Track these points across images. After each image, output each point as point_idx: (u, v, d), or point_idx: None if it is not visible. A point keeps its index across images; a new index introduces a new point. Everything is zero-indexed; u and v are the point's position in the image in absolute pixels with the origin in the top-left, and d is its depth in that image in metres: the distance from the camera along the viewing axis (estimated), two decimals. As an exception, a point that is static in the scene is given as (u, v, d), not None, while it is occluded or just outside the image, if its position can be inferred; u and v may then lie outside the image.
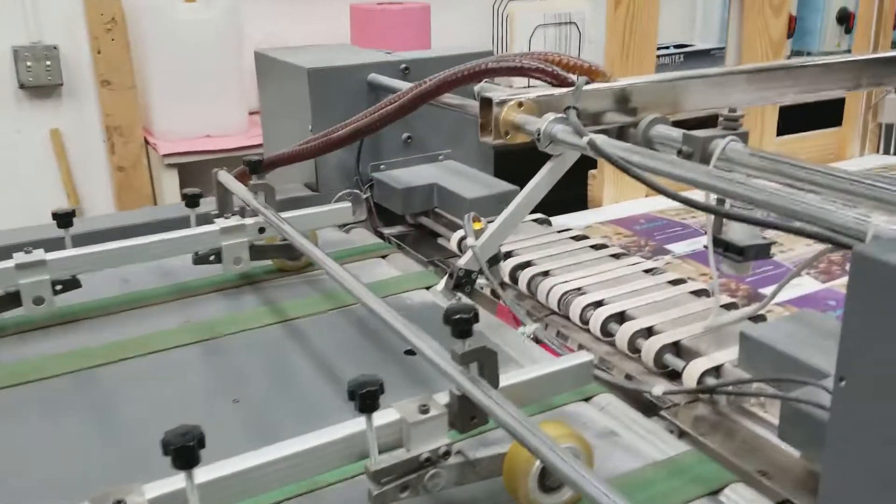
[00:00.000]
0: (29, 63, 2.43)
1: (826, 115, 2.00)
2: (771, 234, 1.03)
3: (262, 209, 1.11)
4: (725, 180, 0.75)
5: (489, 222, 1.04)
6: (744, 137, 1.03)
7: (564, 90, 1.04)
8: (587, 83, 1.06)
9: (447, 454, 0.65)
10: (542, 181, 0.98)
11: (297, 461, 0.61)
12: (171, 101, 2.59)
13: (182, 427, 0.55)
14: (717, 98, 1.19)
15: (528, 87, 1.34)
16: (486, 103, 1.01)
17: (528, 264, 1.14)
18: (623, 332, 0.95)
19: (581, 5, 3.37)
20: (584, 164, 1.64)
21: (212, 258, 1.15)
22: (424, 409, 0.65)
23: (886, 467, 0.52)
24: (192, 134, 2.62)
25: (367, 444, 0.62)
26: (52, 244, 1.06)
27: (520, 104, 1.01)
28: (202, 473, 0.57)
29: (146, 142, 2.64)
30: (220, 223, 1.13)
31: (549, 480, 0.67)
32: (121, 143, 2.59)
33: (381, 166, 1.45)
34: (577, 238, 1.24)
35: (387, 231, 1.44)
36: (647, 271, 1.11)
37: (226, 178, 1.24)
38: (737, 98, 1.20)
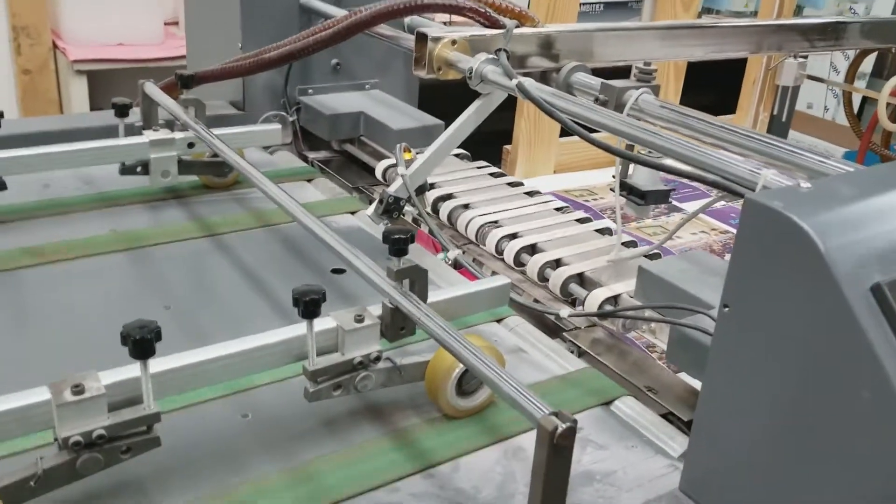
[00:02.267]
0: (-73, -50, 2.28)
1: (722, 102, 2.13)
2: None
3: (193, 124, 1.12)
4: (638, 128, 0.83)
5: (418, 153, 1.09)
6: (655, 90, 1.11)
7: (495, 31, 1.09)
8: (517, 27, 1.11)
9: (377, 359, 0.71)
10: (470, 117, 1.04)
11: (241, 358, 0.66)
12: (83, 3, 2.49)
13: (139, 321, 0.59)
14: (632, 51, 1.26)
15: (450, 24, 1.39)
16: (422, 39, 1.05)
17: (449, 196, 1.20)
18: (533, 263, 1.03)
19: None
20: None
21: (138, 170, 1.16)
22: (359, 319, 0.71)
23: (756, 382, 0.62)
24: (104, 40, 2.52)
25: (305, 348, 0.68)
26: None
27: (453, 42, 1.06)
28: (155, 364, 0.61)
29: (54, 45, 2.52)
30: (149, 135, 1.14)
31: (465, 385, 0.74)
32: (27, 45, 2.47)
33: (309, 90, 1.47)
34: (494, 175, 1.30)
35: (311, 155, 1.47)
36: (557, 209, 1.19)
37: (153, 90, 1.24)
38: (649, 52, 1.27)
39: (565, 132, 1.72)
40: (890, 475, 0.55)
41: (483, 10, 1.10)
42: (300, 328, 0.68)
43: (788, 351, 0.59)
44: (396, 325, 0.73)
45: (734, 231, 1.49)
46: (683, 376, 0.88)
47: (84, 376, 0.59)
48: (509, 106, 1.66)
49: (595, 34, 1.20)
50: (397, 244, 0.70)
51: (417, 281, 0.73)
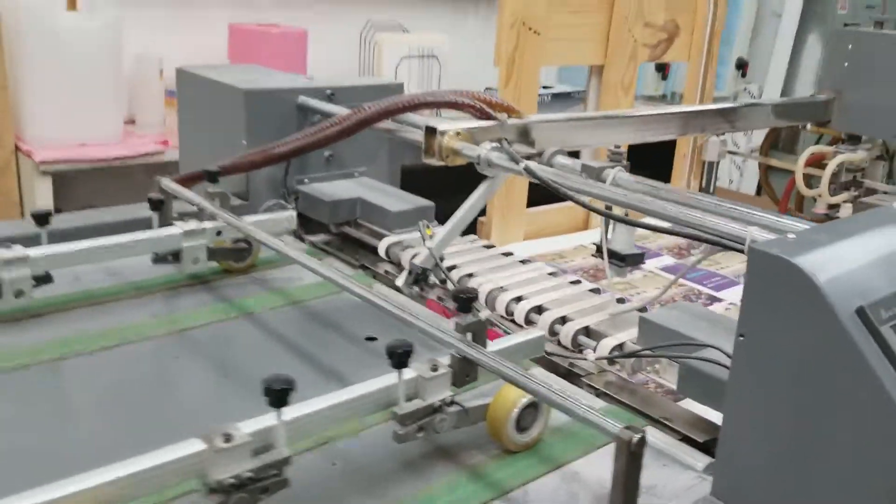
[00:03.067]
0: None
1: (658, 174, 2.36)
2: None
3: (223, 214, 1.24)
4: (639, 198, 1.00)
5: (429, 230, 1.23)
6: (626, 168, 1.29)
7: (490, 123, 1.26)
8: (507, 118, 1.28)
9: (451, 403, 0.83)
10: (480, 197, 1.19)
11: (348, 406, 0.77)
12: (46, 107, 2.56)
13: (276, 375, 0.70)
14: (599, 137, 1.46)
15: (438, 115, 1.56)
16: (431, 132, 1.21)
17: (453, 267, 1.34)
18: (544, 320, 1.17)
19: (441, 41, 3.63)
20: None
21: (170, 258, 1.25)
22: (434, 368, 0.83)
23: (771, 396, 0.76)
24: (66, 142, 2.59)
25: (394, 395, 0.80)
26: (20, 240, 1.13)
27: (458, 133, 1.22)
28: (287, 412, 0.72)
29: (17, 148, 2.58)
30: (181, 226, 1.24)
31: (523, 422, 0.87)
32: (-10, 148, 2.52)
33: (305, 180, 1.60)
34: (487, 247, 1.45)
35: (310, 238, 1.58)
36: (550, 274, 1.34)
37: (172, 185, 1.34)
38: (614, 138, 1.46)
39: (531, 204, 1.90)
40: (888, 467, 0.70)
41: (478, 106, 1.27)
42: (390, 379, 0.80)
43: (796, 367, 0.74)
44: (464, 373, 0.85)
45: (690, 284, 1.67)
46: (688, 406, 1.02)
47: (228, 427, 0.69)
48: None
49: (568, 123, 1.39)
50: (465, 303, 0.83)
51: (478, 332, 0.86)
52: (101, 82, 2.62)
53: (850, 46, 1.85)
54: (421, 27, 3.76)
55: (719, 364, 0.89)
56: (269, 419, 0.71)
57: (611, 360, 1.04)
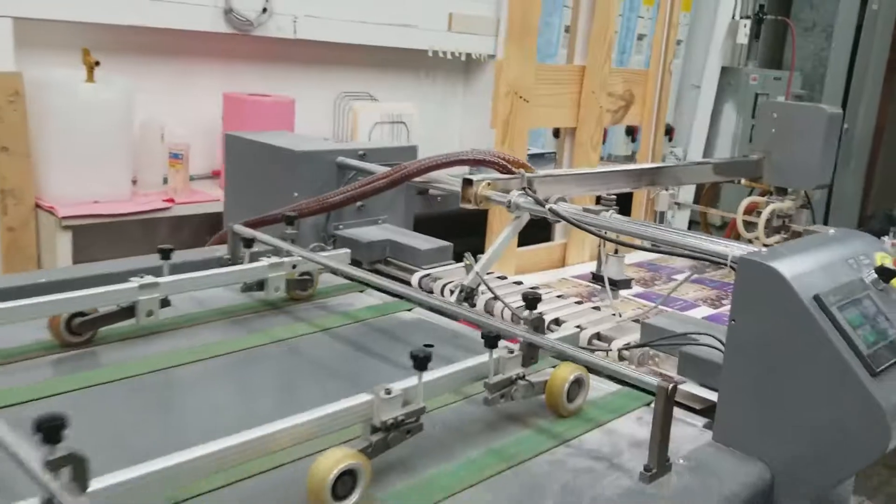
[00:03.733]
0: (-69, 127, 2.51)
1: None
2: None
3: (300, 251, 1.50)
4: (652, 229, 1.30)
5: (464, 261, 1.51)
6: (617, 211, 1.60)
7: (513, 176, 1.56)
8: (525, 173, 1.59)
9: (522, 378, 1.11)
10: (509, 233, 1.49)
11: (459, 375, 1.04)
12: (65, 168, 2.76)
13: (420, 349, 0.96)
14: (593, 187, 1.77)
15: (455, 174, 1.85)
16: (468, 182, 1.50)
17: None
18: (565, 327, 1.46)
19: (409, 108, 3.97)
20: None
21: (255, 287, 1.50)
22: (511, 351, 1.10)
23: (754, 360, 1.06)
24: (81, 199, 2.79)
25: (486, 370, 1.07)
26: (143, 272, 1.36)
27: (489, 183, 1.51)
28: (425, 376, 0.98)
29: (37, 205, 2.76)
30: (266, 260, 1.49)
31: (570, 394, 1.14)
32: (12, 205, 2.70)
33: (340, 226, 1.86)
34: (500, 277, 1.74)
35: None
36: (558, 296, 1.64)
37: (244, 230, 1.60)
38: (600, 188, 1.78)
39: (521, 244, 2.20)
40: (833, 401, 1.00)
41: (500, 163, 1.58)
42: (482, 358, 1.07)
43: (772, 338, 1.05)
44: (530, 356, 1.13)
45: (661, 307, 1.98)
46: (684, 387, 1.32)
47: (387, 385, 0.95)
48: (480, 230, 2.12)
49: (568, 176, 1.70)
50: (533, 302, 1.12)
51: (539, 325, 1.14)
52: (114, 146, 2.85)
53: (775, 115, 2.24)
54: (388, 97, 4.10)
55: (713, 348, 1.20)
56: (412, 381, 0.97)
57: (620, 357, 1.34)
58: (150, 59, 3.17)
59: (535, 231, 1.97)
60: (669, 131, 4.80)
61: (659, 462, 1.00)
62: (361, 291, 1.69)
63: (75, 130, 2.74)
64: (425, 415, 1.01)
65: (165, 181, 3.16)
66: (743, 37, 5.34)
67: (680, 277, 2.01)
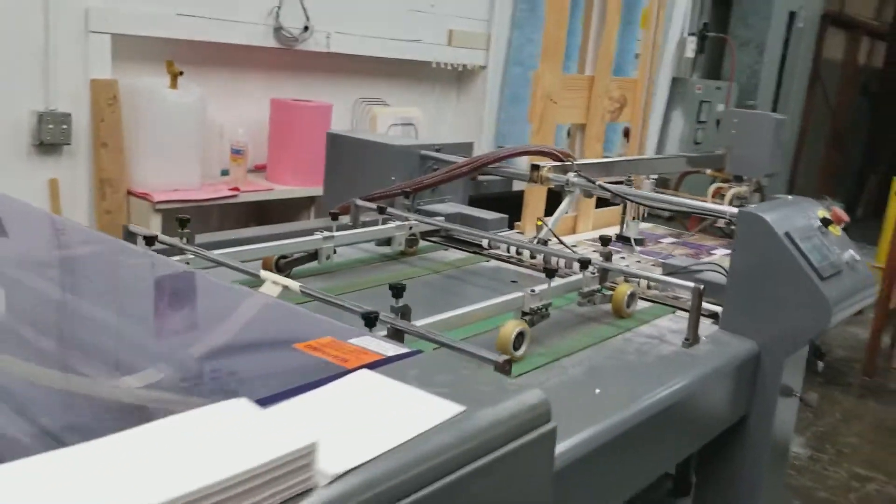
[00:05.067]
0: (50, 125, 2.94)
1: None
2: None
3: (416, 217, 2.02)
4: (671, 198, 1.88)
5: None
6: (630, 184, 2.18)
7: (563, 163, 2.12)
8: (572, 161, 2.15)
9: (599, 290, 1.67)
10: (566, 204, 2.04)
11: (565, 286, 1.59)
12: (151, 161, 3.22)
13: (542, 265, 1.51)
14: (618, 171, 2.34)
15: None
16: (535, 167, 2.05)
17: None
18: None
19: (416, 112, 4.50)
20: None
21: (384, 243, 2.03)
22: (593, 273, 1.66)
23: (748, 279, 1.64)
24: (163, 188, 3.24)
25: (580, 284, 1.62)
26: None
27: (549, 168, 2.07)
28: (553, 283, 1.53)
29: (128, 192, 3.21)
30: (394, 223, 2.01)
31: (629, 302, 1.70)
32: (110, 192, 3.14)
33: (420, 203, 2.39)
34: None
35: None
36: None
37: (365, 203, 2.12)
38: (623, 173, 2.35)
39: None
40: (799, 304, 1.59)
41: (555, 153, 2.13)
42: (577, 276, 1.62)
43: (759, 261, 1.62)
44: (603, 277, 1.69)
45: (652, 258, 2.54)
46: (693, 305, 1.89)
47: (534, 287, 1.50)
48: (511, 207, 2.66)
49: (598, 164, 2.27)
50: (606, 241, 1.68)
51: (607, 256, 1.70)
52: (190, 143, 3.31)
53: (735, 120, 2.85)
54: (396, 102, 4.62)
55: (716, 273, 1.78)
56: (543, 285, 1.52)
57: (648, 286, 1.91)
58: (210, 67, 3.63)
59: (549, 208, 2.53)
60: (627, 132, 5.46)
61: (693, 336, 1.57)
62: (446, 250, 2.22)
63: (160, 129, 3.20)
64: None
65: (223, 173, 3.62)
66: (690, 52, 6.02)
67: (664, 241, 2.60)
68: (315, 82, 4.18)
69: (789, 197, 1.86)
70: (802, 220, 1.70)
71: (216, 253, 1.59)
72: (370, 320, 1.15)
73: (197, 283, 1.19)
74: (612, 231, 2.62)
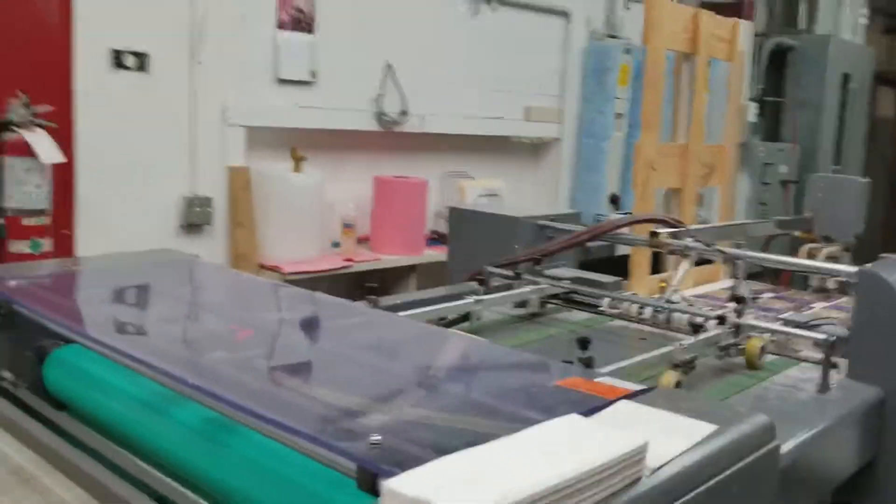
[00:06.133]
0: (196, 209, 3.25)
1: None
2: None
3: (549, 281, 2.22)
4: (784, 259, 2.04)
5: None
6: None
7: (676, 229, 2.30)
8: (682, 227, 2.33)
9: (734, 344, 1.83)
10: (684, 268, 2.22)
11: (711, 339, 1.76)
12: (278, 236, 3.50)
13: (686, 322, 1.68)
14: (720, 236, 2.51)
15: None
16: (654, 234, 2.24)
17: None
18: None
19: (499, 183, 4.75)
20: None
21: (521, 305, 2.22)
22: (726, 331, 1.82)
23: (873, 335, 1.78)
24: (289, 260, 3.51)
25: (719, 338, 1.79)
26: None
27: (667, 234, 2.25)
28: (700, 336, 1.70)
29: (260, 266, 3.49)
30: (530, 287, 2.21)
31: (760, 356, 1.85)
32: (245, 266, 3.42)
33: (540, 268, 2.59)
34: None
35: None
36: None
37: (498, 270, 2.32)
38: (730, 237, 2.52)
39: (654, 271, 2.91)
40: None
41: (669, 220, 2.32)
42: (714, 332, 1.79)
43: (881, 318, 1.77)
44: (735, 332, 1.85)
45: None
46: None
47: (681, 341, 1.67)
48: (615, 269, 2.84)
49: (704, 230, 2.45)
50: (740, 300, 1.85)
51: (741, 311, 1.86)
52: (312, 220, 3.60)
53: (821, 184, 3.01)
54: (479, 174, 4.88)
55: (837, 326, 1.92)
56: (690, 339, 1.69)
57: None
58: (323, 150, 3.94)
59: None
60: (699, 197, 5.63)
61: (825, 383, 1.71)
62: (570, 311, 2.40)
63: (287, 209, 3.49)
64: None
65: (334, 244, 3.89)
66: (752, 116, 6.20)
67: (764, 296, 2.74)
68: (409, 159, 4.47)
69: (894, 256, 2.01)
70: (916, 277, 1.84)
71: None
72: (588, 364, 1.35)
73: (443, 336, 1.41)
74: (711, 287, 2.78)
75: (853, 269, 1.89)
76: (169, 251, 1.78)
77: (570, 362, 1.35)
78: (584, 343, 1.42)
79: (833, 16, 7.06)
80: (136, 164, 3.17)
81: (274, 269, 3.42)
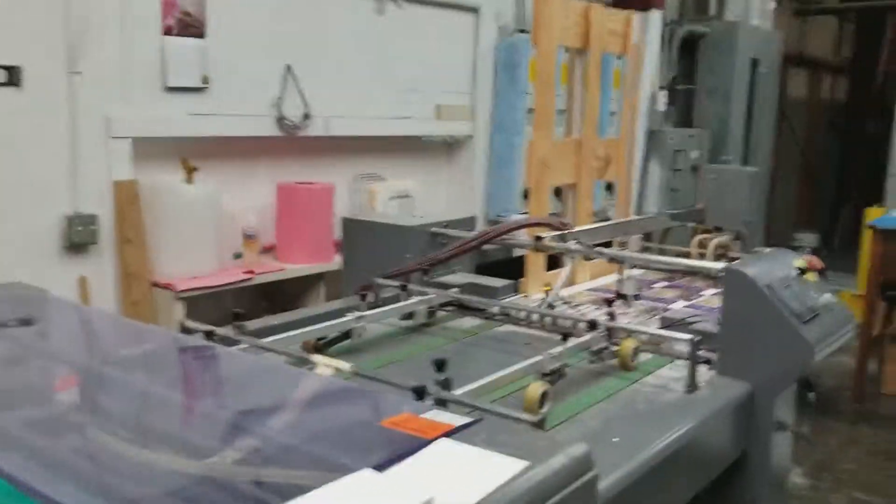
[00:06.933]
0: (79, 227, 3.14)
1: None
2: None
3: (434, 291, 2.22)
4: (664, 258, 2.09)
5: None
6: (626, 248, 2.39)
7: (562, 231, 2.33)
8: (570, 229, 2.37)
9: (607, 348, 1.86)
10: (568, 269, 2.25)
11: (582, 344, 1.79)
12: (171, 252, 3.41)
13: (560, 329, 1.71)
14: (603, 236, 2.56)
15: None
16: (539, 238, 2.26)
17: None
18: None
19: (411, 184, 4.73)
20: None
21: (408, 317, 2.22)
22: (600, 333, 1.86)
23: (741, 331, 1.84)
24: (182, 275, 3.42)
25: (593, 343, 1.82)
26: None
27: (551, 237, 2.28)
28: (569, 343, 1.72)
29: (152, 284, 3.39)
30: (419, 298, 2.21)
31: (633, 357, 1.89)
32: (136, 285, 3.32)
33: (433, 276, 2.59)
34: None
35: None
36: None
37: (386, 282, 2.31)
38: (610, 236, 2.57)
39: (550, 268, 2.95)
40: (780, 340, 1.79)
41: (555, 224, 2.35)
42: (587, 336, 1.82)
43: (747, 312, 1.83)
44: (609, 335, 1.88)
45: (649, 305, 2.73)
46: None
47: (548, 351, 1.69)
48: (509, 272, 2.86)
49: (593, 230, 2.49)
50: (610, 302, 1.88)
51: (613, 316, 1.90)
52: (207, 232, 3.51)
53: (712, 176, 3.09)
54: (391, 175, 4.85)
55: (710, 322, 1.98)
56: (559, 348, 1.71)
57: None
58: (220, 160, 3.86)
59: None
60: (610, 186, 5.73)
61: (692, 383, 1.76)
62: (461, 317, 2.41)
63: (179, 223, 3.40)
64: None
65: (236, 256, 3.82)
66: (662, 105, 6.34)
67: (657, 286, 2.80)
68: (316, 164, 4.40)
69: (766, 249, 2.08)
70: (781, 270, 1.91)
71: (266, 341, 1.78)
72: (419, 393, 1.34)
73: (273, 369, 1.38)
74: (606, 280, 2.83)
75: (720, 265, 1.95)
76: (16, 285, 1.70)
77: (423, 387, 1.34)
78: (440, 365, 1.42)
79: (743, 1, 7.26)
80: (12, 184, 3.05)
81: (167, 286, 3.33)
